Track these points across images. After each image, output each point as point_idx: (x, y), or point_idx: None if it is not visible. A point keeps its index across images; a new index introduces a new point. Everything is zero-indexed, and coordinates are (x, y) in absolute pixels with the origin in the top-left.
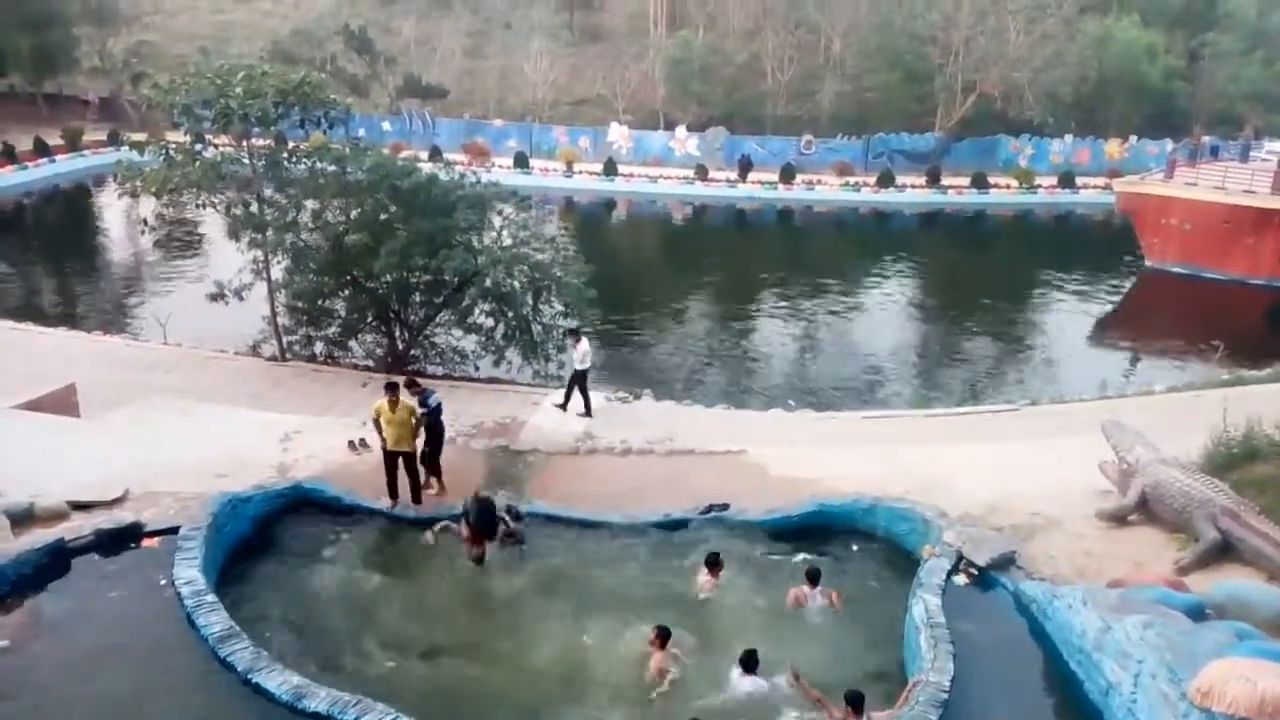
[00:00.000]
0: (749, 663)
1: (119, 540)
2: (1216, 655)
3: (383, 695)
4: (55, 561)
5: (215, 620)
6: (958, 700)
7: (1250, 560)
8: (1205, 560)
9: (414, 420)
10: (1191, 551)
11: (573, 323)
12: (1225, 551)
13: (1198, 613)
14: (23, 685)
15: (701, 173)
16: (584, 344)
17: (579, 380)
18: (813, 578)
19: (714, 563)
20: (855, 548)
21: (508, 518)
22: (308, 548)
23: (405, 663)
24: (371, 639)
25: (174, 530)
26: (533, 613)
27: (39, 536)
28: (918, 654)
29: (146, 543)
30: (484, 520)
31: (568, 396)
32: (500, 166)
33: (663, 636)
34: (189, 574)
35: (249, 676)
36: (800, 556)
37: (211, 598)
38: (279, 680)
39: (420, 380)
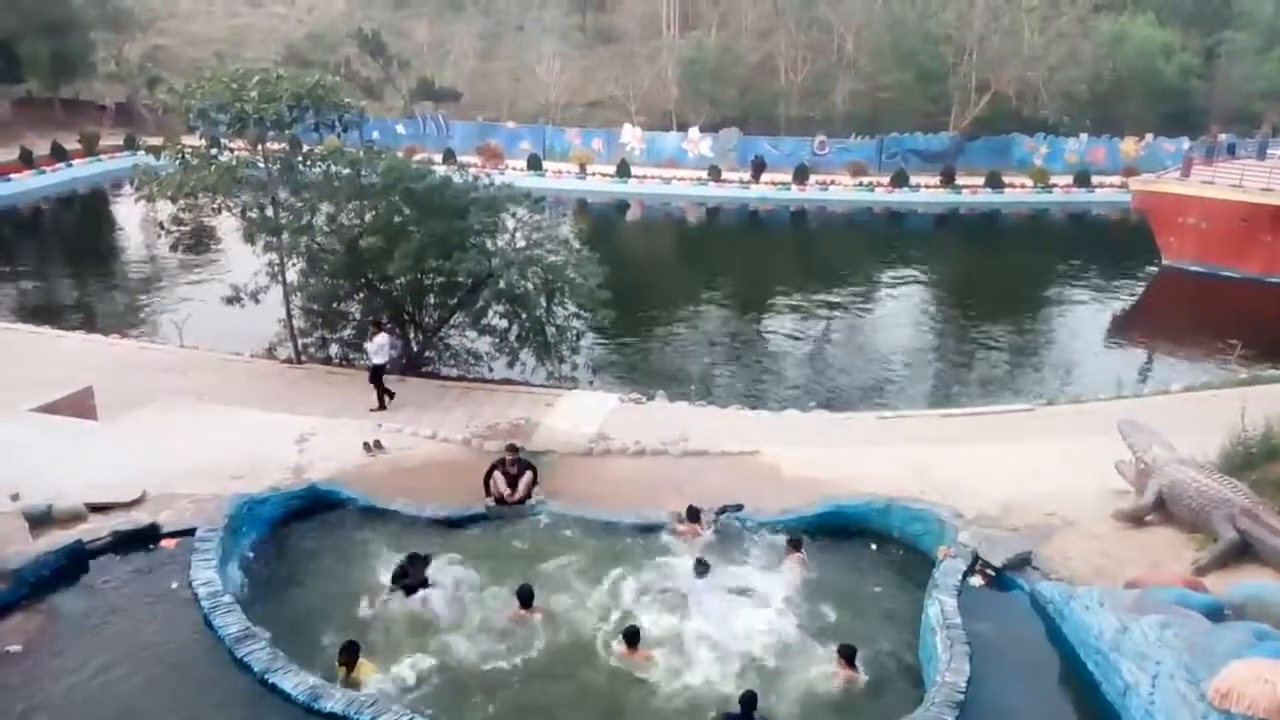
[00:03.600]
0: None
1: (136, 542)
2: (1235, 656)
3: (397, 695)
4: (73, 563)
5: (232, 621)
6: (974, 701)
7: (1268, 560)
8: (1223, 560)
9: None
10: (1209, 552)
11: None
12: (1243, 552)
13: (1216, 613)
14: (40, 686)
15: (715, 174)
16: (381, 337)
17: (376, 374)
18: (796, 545)
19: (694, 515)
20: (874, 547)
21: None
22: (323, 549)
23: (421, 662)
24: (386, 638)
25: (191, 532)
26: (550, 607)
27: (57, 538)
28: (934, 655)
29: (164, 544)
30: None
31: (379, 395)
32: (514, 169)
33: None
34: (206, 575)
35: (266, 677)
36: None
37: (228, 598)
38: (295, 681)
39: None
